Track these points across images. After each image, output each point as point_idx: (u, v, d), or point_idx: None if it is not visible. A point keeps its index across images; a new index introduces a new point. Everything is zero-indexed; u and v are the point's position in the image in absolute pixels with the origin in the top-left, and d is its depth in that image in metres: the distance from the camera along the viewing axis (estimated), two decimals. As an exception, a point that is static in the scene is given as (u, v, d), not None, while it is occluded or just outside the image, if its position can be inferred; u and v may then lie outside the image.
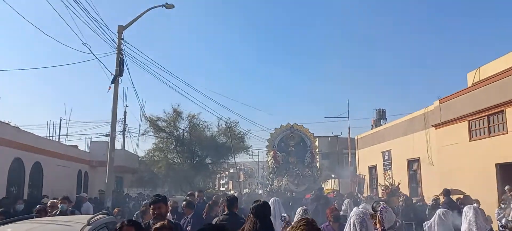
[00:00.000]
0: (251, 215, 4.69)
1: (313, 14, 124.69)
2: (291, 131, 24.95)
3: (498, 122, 15.14)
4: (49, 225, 5.57)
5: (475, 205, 5.85)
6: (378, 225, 4.97)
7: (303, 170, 23.67)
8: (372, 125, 34.58)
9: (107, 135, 26.55)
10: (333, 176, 33.94)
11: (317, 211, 12.90)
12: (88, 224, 5.52)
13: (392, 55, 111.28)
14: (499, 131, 15.06)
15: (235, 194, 20.52)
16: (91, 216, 6.37)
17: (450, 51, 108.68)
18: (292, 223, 5.88)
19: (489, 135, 15.55)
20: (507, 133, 14.46)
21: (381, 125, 31.12)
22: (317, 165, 26.39)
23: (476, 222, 5.36)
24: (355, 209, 4.71)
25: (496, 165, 14.84)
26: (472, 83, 18.46)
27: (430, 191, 17.45)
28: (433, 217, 6.93)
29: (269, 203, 6.70)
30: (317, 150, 27.23)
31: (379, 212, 5.13)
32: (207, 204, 9.33)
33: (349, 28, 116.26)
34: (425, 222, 7.13)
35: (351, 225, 4.39)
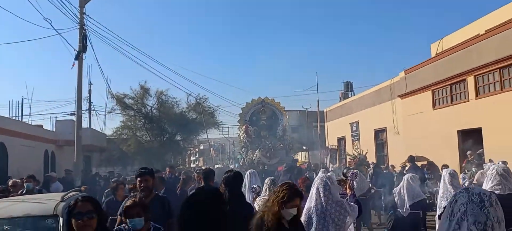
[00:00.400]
0: (222, 185, 4.75)
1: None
2: (263, 105, 24.93)
3: (460, 90, 15.74)
4: (21, 204, 5.44)
5: (451, 169, 5.84)
6: (348, 190, 4.97)
7: (275, 143, 23.71)
8: (340, 98, 35.20)
9: (72, 114, 25.86)
10: (304, 148, 34.46)
11: (290, 181, 13.15)
12: (62, 201, 5.43)
13: (358, 28, 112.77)
14: (461, 99, 15.67)
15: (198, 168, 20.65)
16: (64, 193, 6.28)
17: (415, 22, 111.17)
18: (262, 193, 5.98)
19: (451, 103, 16.17)
20: (468, 101, 15.08)
21: (348, 97, 31.75)
22: (289, 138, 26.58)
23: (452, 183, 5.51)
24: (319, 174, 4.78)
25: (458, 131, 15.51)
26: (436, 54, 19.04)
27: (396, 159, 18.11)
28: (402, 182, 7.08)
29: (246, 175, 6.81)
30: (287, 123, 27.44)
31: (349, 178, 5.20)
32: (182, 179, 9.32)
33: (316, 2, 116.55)
34: (395, 188, 7.26)
35: (315, 189, 4.37)
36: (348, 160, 20.07)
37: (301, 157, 32.80)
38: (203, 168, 22.87)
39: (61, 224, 5.09)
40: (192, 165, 66.71)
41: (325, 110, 31.69)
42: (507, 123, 13.06)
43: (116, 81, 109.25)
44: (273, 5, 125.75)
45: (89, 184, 14.06)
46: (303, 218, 4.21)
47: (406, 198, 6.83)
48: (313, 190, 4.41)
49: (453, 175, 5.63)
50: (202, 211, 1.99)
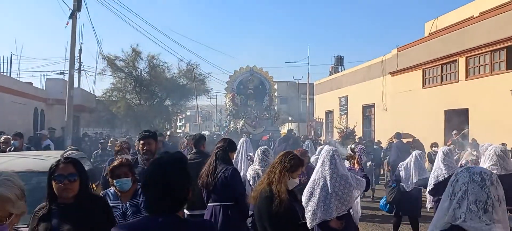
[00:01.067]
0: (215, 149, 4.82)
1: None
2: (251, 73, 24.86)
3: (450, 70, 16.00)
4: (21, 159, 5.52)
5: (445, 148, 5.90)
6: (356, 165, 5.06)
7: (261, 113, 23.81)
8: (330, 71, 35.36)
9: (61, 73, 25.62)
10: (290, 118, 34.72)
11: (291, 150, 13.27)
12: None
13: (354, 2, 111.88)
14: (451, 79, 15.95)
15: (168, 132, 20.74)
16: (64, 151, 6.38)
17: (411, 0, 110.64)
18: (254, 163, 6.00)
19: (441, 83, 16.45)
20: (458, 82, 15.37)
21: (338, 72, 31.90)
22: (275, 108, 26.63)
23: (444, 162, 5.60)
24: (326, 147, 4.69)
25: (445, 111, 15.85)
26: (429, 33, 19.19)
27: (383, 135, 18.44)
28: (410, 158, 7.16)
29: (239, 143, 6.89)
30: (275, 93, 27.48)
31: (357, 153, 5.27)
32: (182, 144, 9.37)
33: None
34: (401, 163, 7.29)
35: (321, 162, 4.38)
36: (336, 133, 20.29)
37: (287, 127, 33.12)
38: (191, 133, 23.00)
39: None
40: (178, 131, 66.73)
41: (315, 83, 31.87)
42: (493, 105, 13.41)
43: (108, 43, 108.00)
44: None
45: (78, 144, 14.07)
46: (306, 189, 4.29)
47: (413, 173, 6.92)
48: (319, 163, 4.43)
49: (446, 154, 5.70)
50: (160, 175, 1.93)
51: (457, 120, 14.91)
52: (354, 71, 24.82)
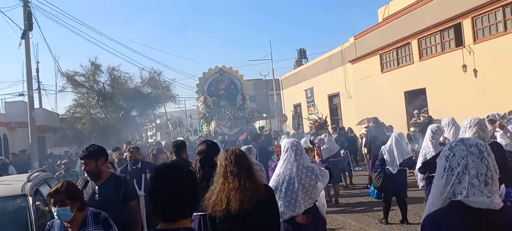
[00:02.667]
0: (197, 155, 4.51)
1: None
2: (220, 73, 24.47)
3: (405, 53, 16.65)
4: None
5: (434, 126, 5.87)
6: (317, 157, 4.88)
7: (235, 113, 23.51)
8: (294, 65, 35.82)
9: (21, 95, 24.86)
10: (264, 115, 34.95)
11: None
12: (28, 181, 5.52)
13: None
14: (406, 61, 16.60)
15: (164, 143, 20.51)
16: (30, 173, 6.33)
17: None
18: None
19: (398, 66, 17.09)
20: (413, 63, 16.01)
21: (302, 64, 32.39)
22: (249, 106, 26.24)
23: (431, 140, 5.65)
24: (285, 139, 4.51)
25: (405, 92, 16.49)
26: (382, 19, 19.81)
27: (349, 122, 18.99)
28: (390, 140, 7.19)
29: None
30: (246, 91, 27.20)
31: (316, 145, 5.25)
32: (151, 153, 9.29)
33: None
34: (383, 146, 7.28)
35: (286, 155, 4.17)
36: (308, 125, 20.32)
37: (258, 125, 33.35)
38: (163, 142, 22.75)
39: (31, 203, 5.23)
40: (149, 140, 65.93)
41: (280, 78, 32.25)
42: (448, 82, 14.08)
43: (65, 59, 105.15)
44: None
45: (48, 164, 13.79)
46: (272, 184, 4.06)
47: (396, 155, 6.91)
48: (283, 156, 4.21)
49: (435, 132, 5.69)
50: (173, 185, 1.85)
51: (416, 99, 15.54)
52: (317, 63, 25.29)
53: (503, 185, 2.33)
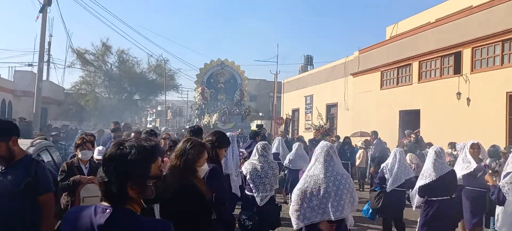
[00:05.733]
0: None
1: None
2: (222, 66, 24.05)
3: (405, 73, 17.05)
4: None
5: (437, 147, 5.46)
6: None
7: (231, 108, 23.26)
8: (299, 70, 36.23)
9: (29, 65, 25.36)
10: (261, 114, 35.29)
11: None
12: (31, 146, 6.00)
13: (325, 5, 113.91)
14: (405, 82, 17.00)
15: (163, 129, 20.87)
16: (33, 139, 6.79)
17: (374, 4, 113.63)
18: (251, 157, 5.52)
19: (397, 85, 17.49)
20: (411, 84, 16.42)
21: (308, 71, 32.79)
22: (246, 103, 26.12)
23: (434, 163, 5.26)
24: (321, 143, 4.02)
25: (400, 111, 16.89)
26: (390, 37, 20.25)
27: (344, 133, 19.35)
28: (392, 157, 6.60)
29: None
30: (246, 88, 26.95)
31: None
32: (166, 141, 7.99)
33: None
34: (384, 164, 6.68)
35: (318, 159, 3.81)
36: (313, 131, 19.97)
37: (255, 124, 33.64)
38: (163, 128, 23.06)
39: (33, 166, 5.67)
40: (148, 125, 66.35)
41: (282, 82, 32.68)
42: (442, 107, 14.49)
43: (77, 36, 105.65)
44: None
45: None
46: (299, 186, 3.83)
47: (399, 174, 6.39)
48: (312, 161, 3.90)
49: (438, 154, 5.32)
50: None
51: (410, 120, 15.96)
52: (319, 72, 25.72)
53: None
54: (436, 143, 11.21)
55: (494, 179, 4.99)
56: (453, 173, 5.40)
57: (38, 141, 6.61)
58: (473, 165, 6.21)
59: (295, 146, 9.33)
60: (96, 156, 5.42)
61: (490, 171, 5.34)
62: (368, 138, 14.09)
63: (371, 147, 12.49)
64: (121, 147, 1.70)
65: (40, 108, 16.06)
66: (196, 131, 5.40)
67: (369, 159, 12.10)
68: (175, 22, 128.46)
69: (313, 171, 3.77)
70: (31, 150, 5.92)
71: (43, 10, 14.27)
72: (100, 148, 5.98)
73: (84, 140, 5.11)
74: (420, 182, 5.36)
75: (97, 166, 4.79)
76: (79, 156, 5.01)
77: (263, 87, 38.68)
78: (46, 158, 6.23)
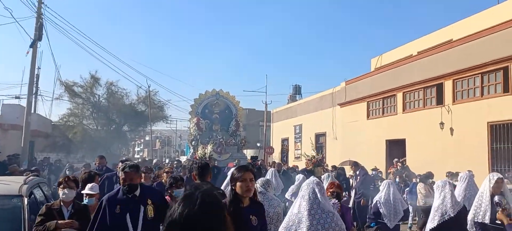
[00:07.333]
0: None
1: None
2: (217, 97, 23.86)
3: (390, 104, 17.49)
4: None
5: (448, 180, 5.26)
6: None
7: (227, 138, 22.92)
8: (288, 100, 36.69)
9: (17, 97, 25.31)
10: (258, 144, 35.29)
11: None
12: (25, 183, 6.08)
13: (313, 36, 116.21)
14: (391, 112, 17.43)
15: (155, 161, 20.77)
16: (26, 176, 6.87)
17: (360, 36, 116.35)
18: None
19: (382, 115, 17.91)
20: (396, 114, 16.84)
21: (296, 100, 33.25)
22: (241, 133, 25.96)
23: (452, 198, 4.98)
24: (308, 180, 3.88)
25: (386, 141, 17.23)
26: (375, 68, 20.82)
27: (333, 162, 19.57)
28: (385, 189, 6.28)
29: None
30: (241, 118, 26.64)
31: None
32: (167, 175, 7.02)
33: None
34: (377, 198, 6.34)
35: (303, 197, 3.66)
36: (305, 160, 19.86)
37: (247, 154, 33.70)
38: (149, 159, 22.94)
39: (26, 203, 5.75)
40: (136, 156, 65.90)
41: (272, 112, 33.03)
42: (426, 137, 14.87)
43: (66, 68, 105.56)
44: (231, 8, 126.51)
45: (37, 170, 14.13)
46: (283, 224, 3.70)
47: (395, 207, 6.08)
48: (298, 198, 3.75)
49: (452, 188, 5.07)
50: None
51: (396, 149, 16.30)
52: (308, 102, 26.15)
53: None
54: (421, 171, 11.61)
55: (507, 217, 4.73)
56: (465, 209, 5.14)
57: (31, 177, 6.69)
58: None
59: (298, 178, 8.87)
60: (87, 191, 5.03)
61: (500, 209, 4.95)
62: (352, 170, 12.96)
63: (354, 177, 12.14)
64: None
65: (28, 143, 16.03)
66: (204, 167, 4.93)
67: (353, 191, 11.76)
68: (164, 54, 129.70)
69: (298, 208, 3.63)
70: (25, 188, 6.01)
71: (33, 44, 14.45)
72: (90, 185, 5.36)
73: (67, 178, 4.70)
74: (436, 219, 4.94)
75: (82, 209, 4.56)
76: (60, 196, 4.49)
77: (252, 117, 38.95)
78: (39, 195, 6.31)
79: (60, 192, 4.49)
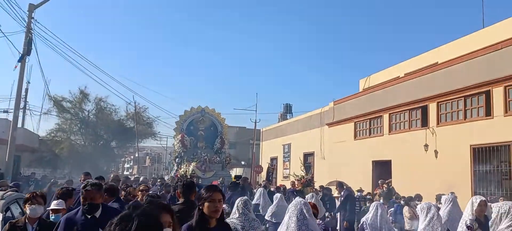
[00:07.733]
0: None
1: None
2: (202, 114, 23.72)
3: (377, 125, 17.65)
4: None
5: (431, 203, 5.12)
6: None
7: (212, 156, 22.63)
8: (278, 118, 36.81)
9: (5, 111, 25.15)
10: (243, 163, 35.22)
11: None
12: (2, 199, 6.06)
13: (305, 57, 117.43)
14: (377, 133, 17.58)
15: (142, 178, 20.61)
16: (3, 192, 6.82)
17: (348, 57, 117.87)
18: (231, 215, 4.89)
19: (369, 135, 18.05)
20: (382, 135, 16.99)
21: (287, 119, 33.38)
22: (226, 151, 25.59)
23: (438, 222, 4.85)
24: (295, 200, 3.91)
25: (373, 161, 17.33)
26: (363, 89, 21.04)
27: (320, 182, 19.58)
28: (373, 211, 6.09)
29: None
30: (226, 135, 26.35)
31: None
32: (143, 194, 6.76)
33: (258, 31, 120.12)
34: (364, 219, 6.18)
35: (287, 217, 3.73)
36: (295, 180, 19.72)
37: (234, 172, 33.59)
38: (138, 176, 22.79)
39: (1, 219, 5.72)
40: (125, 172, 65.32)
41: (261, 130, 33.07)
42: (411, 158, 14.99)
43: (55, 83, 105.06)
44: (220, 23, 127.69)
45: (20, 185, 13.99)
46: None
47: (385, 228, 5.91)
48: (286, 218, 3.78)
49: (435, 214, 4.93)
50: None
51: (382, 170, 16.39)
52: (297, 121, 26.30)
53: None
54: (406, 193, 11.70)
55: None
56: None
57: (8, 193, 6.64)
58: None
59: (276, 197, 8.65)
60: (52, 206, 4.74)
61: None
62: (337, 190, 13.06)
63: (340, 198, 11.99)
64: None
65: (13, 157, 15.88)
66: (189, 186, 4.70)
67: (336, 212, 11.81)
68: (155, 70, 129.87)
69: (286, 229, 3.65)
70: (1, 203, 5.98)
71: (22, 59, 14.44)
72: (57, 201, 4.93)
73: (35, 194, 4.48)
74: None
75: (49, 226, 4.33)
76: (27, 212, 4.27)
77: (242, 135, 38.98)
78: (16, 210, 6.26)
79: (27, 208, 4.26)
